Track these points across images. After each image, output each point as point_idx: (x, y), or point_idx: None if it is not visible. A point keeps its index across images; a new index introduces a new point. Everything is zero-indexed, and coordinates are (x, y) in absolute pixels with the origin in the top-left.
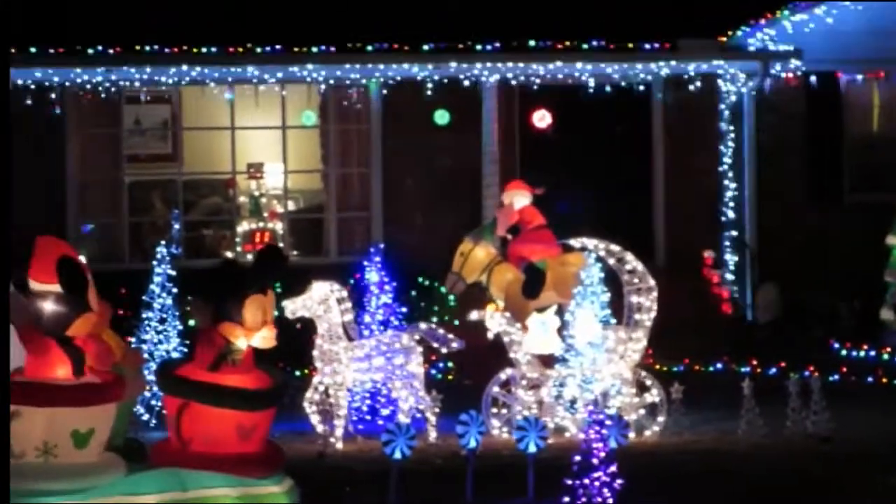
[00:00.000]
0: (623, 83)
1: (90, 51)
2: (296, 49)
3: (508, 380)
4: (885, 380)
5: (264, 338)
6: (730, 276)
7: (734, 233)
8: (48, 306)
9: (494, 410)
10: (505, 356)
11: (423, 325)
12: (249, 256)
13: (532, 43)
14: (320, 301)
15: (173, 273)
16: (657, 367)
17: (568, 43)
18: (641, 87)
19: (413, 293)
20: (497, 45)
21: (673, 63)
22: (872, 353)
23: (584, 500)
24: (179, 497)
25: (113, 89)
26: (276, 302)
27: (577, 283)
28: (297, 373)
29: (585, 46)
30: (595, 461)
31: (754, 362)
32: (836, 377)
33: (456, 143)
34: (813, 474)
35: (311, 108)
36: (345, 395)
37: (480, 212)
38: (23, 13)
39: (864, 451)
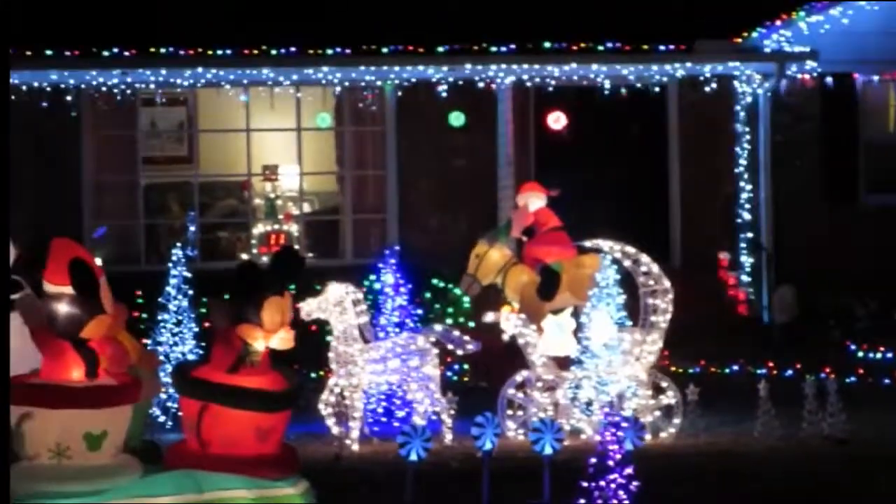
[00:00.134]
0: (638, 85)
1: (106, 53)
2: (311, 51)
3: (524, 382)
4: None
5: (282, 339)
6: (746, 278)
7: (750, 234)
8: (62, 308)
9: (510, 412)
10: (520, 358)
11: (438, 327)
12: (265, 258)
13: (547, 44)
14: (336, 303)
15: (189, 275)
16: (673, 368)
17: (583, 44)
18: (657, 89)
19: (428, 295)
20: (512, 46)
21: (688, 64)
22: (889, 354)
23: (599, 502)
24: (195, 499)
25: (128, 91)
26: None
27: (592, 284)
28: (313, 375)
29: (601, 48)
30: (611, 463)
31: (770, 364)
32: (853, 379)
33: (471, 144)
34: (829, 476)
35: (326, 110)
36: (360, 397)
37: (495, 213)
38: (38, 15)
39: (881, 453)
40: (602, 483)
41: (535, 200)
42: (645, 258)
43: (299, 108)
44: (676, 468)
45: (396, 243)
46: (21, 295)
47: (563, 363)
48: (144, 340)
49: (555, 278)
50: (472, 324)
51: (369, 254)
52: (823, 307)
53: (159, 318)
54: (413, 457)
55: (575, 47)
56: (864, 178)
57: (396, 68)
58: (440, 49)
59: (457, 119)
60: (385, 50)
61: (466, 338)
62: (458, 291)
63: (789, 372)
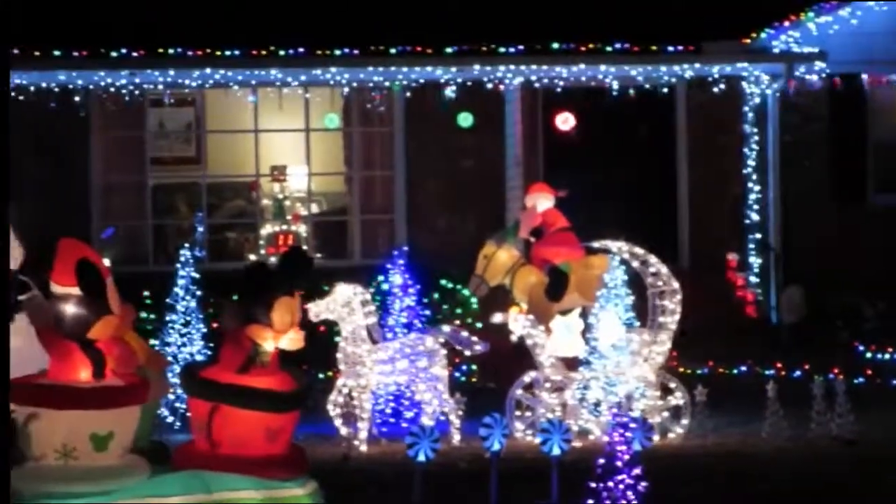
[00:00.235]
0: (647, 85)
1: (114, 54)
2: (319, 52)
3: (532, 382)
4: None
5: (292, 339)
6: (754, 279)
7: (758, 235)
8: (69, 309)
9: (518, 413)
10: (528, 359)
11: (446, 328)
12: (273, 259)
13: (555, 45)
14: (344, 304)
15: (197, 276)
16: (681, 369)
17: (591, 45)
18: (665, 90)
19: (436, 296)
20: (520, 47)
21: (697, 65)
22: None
23: (608, 502)
24: (203, 499)
25: (137, 92)
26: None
27: (600, 285)
28: (321, 375)
29: (609, 49)
30: (619, 464)
31: (778, 365)
32: (861, 380)
33: (479, 145)
34: (837, 477)
35: (335, 111)
36: (368, 398)
37: (504, 214)
38: (47, 16)
39: (889, 454)
40: (610, 484)
41: (543, 201)
42: (653, 259)
43: (307, 109)
44: (684, 469)
45: (404, 244)
46: (29, 295)
47: (572, 364)
48: (152, 341)
49: (563, 279)
50: (480, 324)
51: (377, 254)
52: (832, 308)
53: (167, 318)
54: (421, 457)
55: (583, 48)
56: (873, 178)
57: (405, 69)
58: (448, 50)
59: (465, 120)
60: (393, 51)
61: (475, 338)
62: (466, 292)
63: (797, 373)
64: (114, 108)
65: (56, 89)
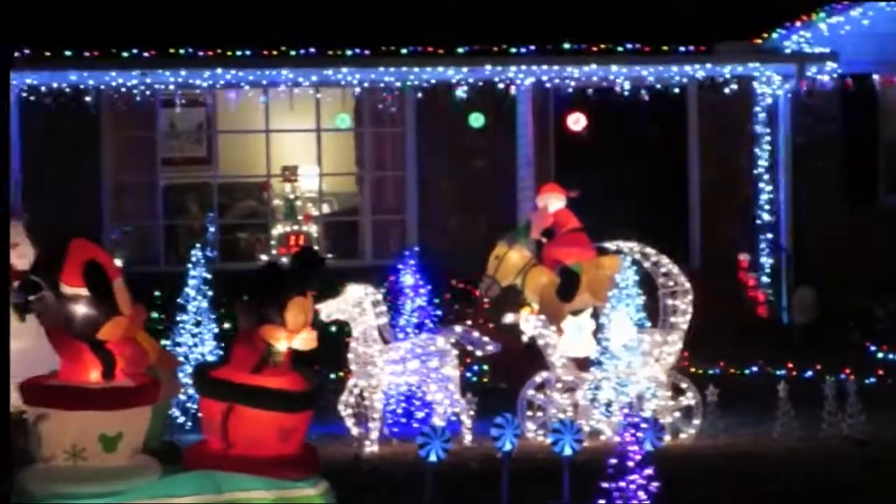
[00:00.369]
0: (658, 86)
1: (125, 54)
2: (330, 52)
3: (543, 383)
4: None
5: (305, 339)
6: (765, 279)
7: (769, 235)
8: (79, 309)
9: (530, 413)
10: (540, 359)
11: (458, 328)
12: (284, 259)
13: (567, 46)
14: (355, 304)
15: (208, 276)
16: (692, 369)
17: (603, 45)
18: (676, 90)
19: (447, 296)
20: (532, 47)
21: (708, 66)
22: None
23: (619, 502)
24: (214, 499)
25: (148, 92)
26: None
27: (612, 286)
28: (332, 375)
29: (620, 49)
30: (630, 464)
31: (790, 365)
32: (872, 380)
33: (490, 145)
34: (848, 478)
35: (346, 111)
36: (380, 398)
37: (515, 215)
38: (58, 16)
39: None
40: (622, 484)
41: (554, 201)
42: (665, 259)
43: (319, 109)
44: (696, 469)
45: (416, 244)
46: (39, 296)
47: (583, 364)
48: (163, 341)
49: (574, 279)
50: (491, 325)
51: (389, 255)
52: (843, 308)
53: (178, 318)
54: (432, 457)
55: (595, 48)
56: (884, 178)
57: (416, 69)
58: (460, 50)
59: (476, 120)
60: (404, 51)
61: (486, 339)
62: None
63: (809, 373)
64: (125, 109)
65: (67, 89)
